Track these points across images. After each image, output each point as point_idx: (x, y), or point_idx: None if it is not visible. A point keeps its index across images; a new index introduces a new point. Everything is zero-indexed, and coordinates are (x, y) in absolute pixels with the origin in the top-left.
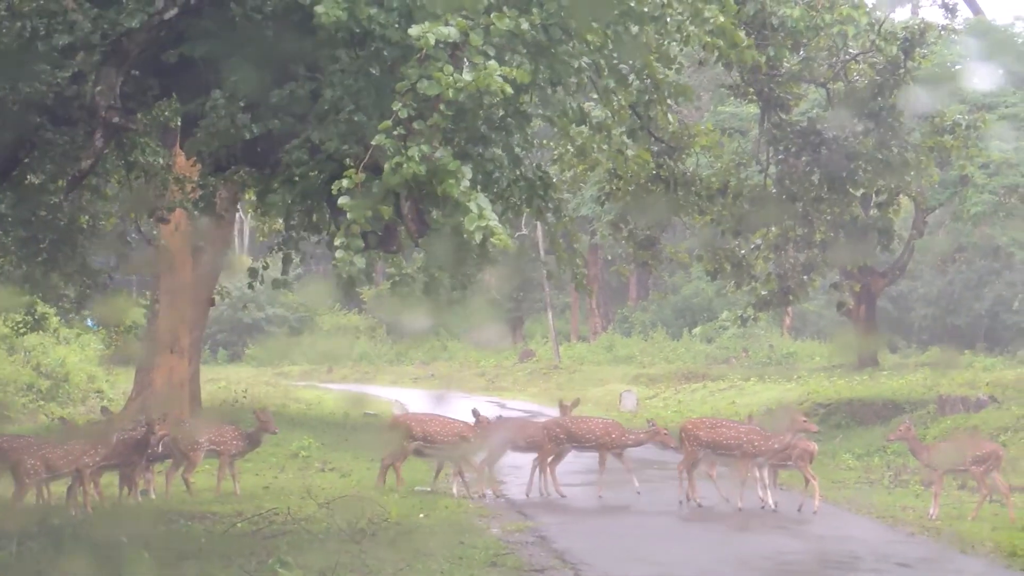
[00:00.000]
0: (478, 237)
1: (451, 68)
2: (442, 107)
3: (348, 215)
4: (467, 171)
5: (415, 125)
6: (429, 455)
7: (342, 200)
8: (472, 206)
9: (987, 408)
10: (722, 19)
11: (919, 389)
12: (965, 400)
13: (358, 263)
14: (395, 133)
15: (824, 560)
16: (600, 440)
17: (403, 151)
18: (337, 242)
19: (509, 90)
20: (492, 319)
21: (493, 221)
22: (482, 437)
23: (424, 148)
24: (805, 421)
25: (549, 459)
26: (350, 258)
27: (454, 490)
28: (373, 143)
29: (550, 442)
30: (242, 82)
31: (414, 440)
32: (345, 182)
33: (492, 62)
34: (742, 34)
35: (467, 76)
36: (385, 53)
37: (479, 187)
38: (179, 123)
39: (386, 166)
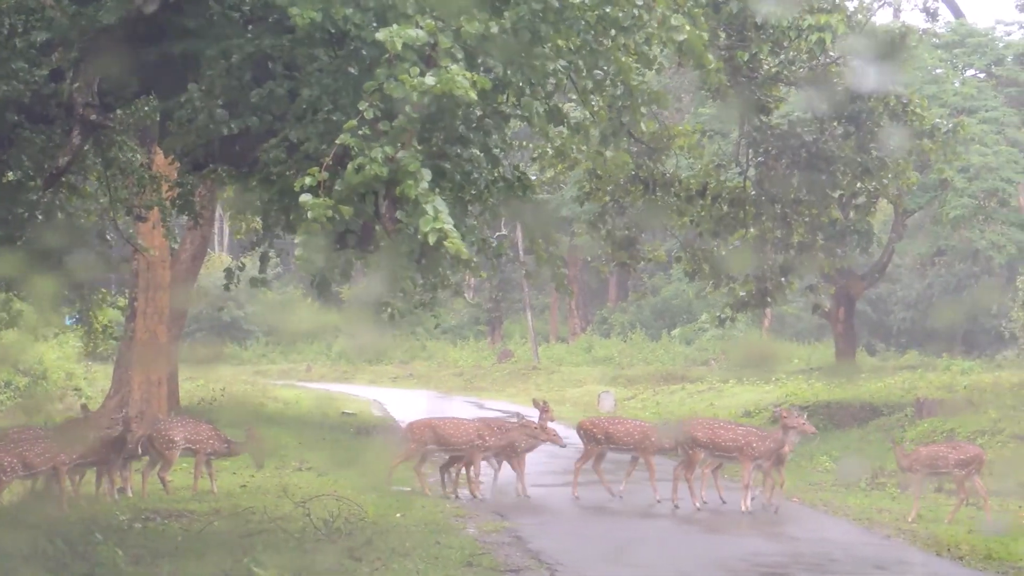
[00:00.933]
0: (432, 239)
1: (417, 71)
2: (408, 109)
3: (309, 214)
4: (426, 173)
5: (380, 126)
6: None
7: (303, 198)
8: (429, 208)
9: (964, 411)
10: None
11: (897, 392)
12: (943, 403)
13: (317, 261)
14: (360, 133)
15: (800, 562)
16: (639, 443)
17: (367, 152)
18: (297, 240)
19: (473, 96)
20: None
21: (448, 224)
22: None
23: (387, 149)
24: (796, 418)
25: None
26: (309, 256)
27: (471, 491)
28: (337, 142)
29: (588, 443)
30: (220, 79)
31: (427, 445)
32: (308, 180)
33: (456, 66)
34: (710, 56)
35: (430, 80)
36: (363, 53)
37: (452, 190)
38: (157, 120)
39: (349, 166)
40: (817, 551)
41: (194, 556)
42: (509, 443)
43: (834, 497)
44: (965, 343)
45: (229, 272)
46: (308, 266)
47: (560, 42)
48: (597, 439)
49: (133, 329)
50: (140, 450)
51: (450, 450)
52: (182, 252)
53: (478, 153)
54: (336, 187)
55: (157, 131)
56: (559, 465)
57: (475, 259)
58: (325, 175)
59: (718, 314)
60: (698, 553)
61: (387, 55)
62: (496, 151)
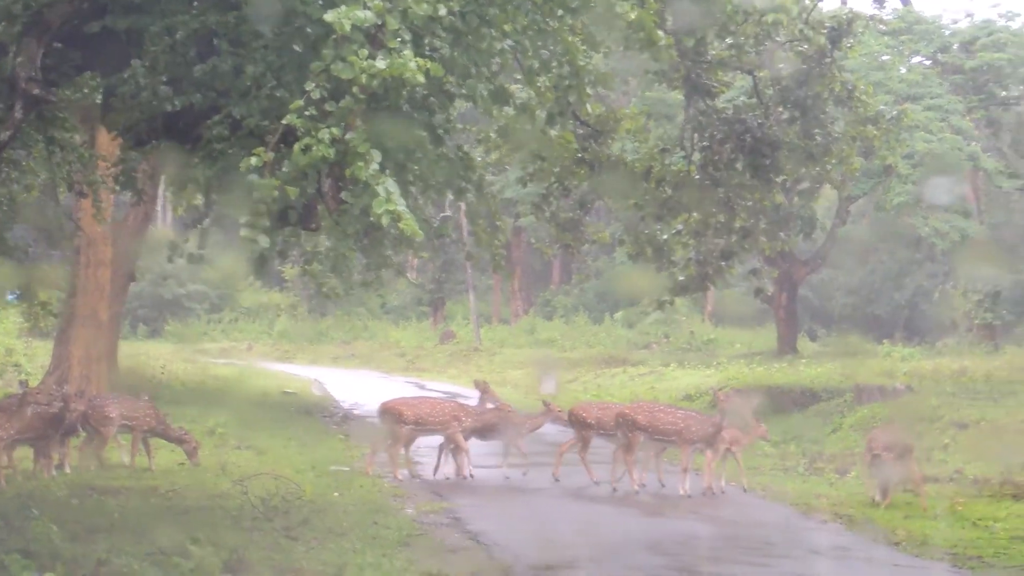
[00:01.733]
0: (385, 221)
1: (366, 52)
2: (355, 90)
3: (255, 193)
4: (376, 154)
5: (327, 107)
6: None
7: (250, 178)
8: (380, 189)
9: (904, 398)
10: (633, 16)
11: (837, 377)
12: (882, 389)
13: (262, 242)
14: (307, 113)
15: (737, 545)
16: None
17: (313, 133)
18: (242, 220)
19: (421, 79)
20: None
21: (401, 206)
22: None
23: (335, 131)
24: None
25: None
26: (254, 236)
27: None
28: (284, 122)
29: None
30: (164, 55)
31: (405, 424)
32: (254, 160)
33: (407, 51)
34: (660, 33)
35: (380, 63)
36: (308, 30)
37: (394, 169)
38: (100, 97)
39: (296, 147)
40: (754, 535)
41: (131, 533)
42: (485, 425)
43: (772, 481)
44: (906, 329)
45: (173, 245)
46: (253, 246)
47: (506, 26)
48: (589, 425)
49: (73, 306)
50: (79, 426)
51: (428, 430)
52: (124, 229)
53: (422, 133)
54: (284, 168)
55: (100, 107)
56: (498, 446)
57: (420, 239)
58: (271, 155)
59: (658, 297)
60: (636, 535)
61: (334, 35)
62: (440, 131)
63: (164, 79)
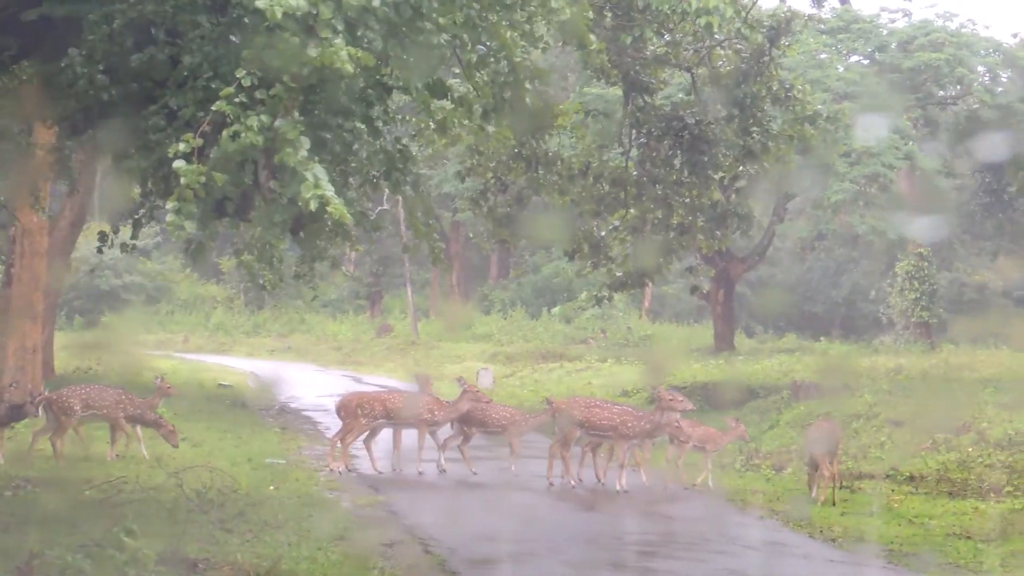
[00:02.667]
0: (314, 206)
1: (297, 41)
2: (286, 78)
3: (182, 180)
4: (305, 141)
5: (257, 94)
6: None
7: (177, 164)
8: (309, 175)
9: (840, 395)
10: (567, 14)
11: (774, 375)
12: (819, 386)
13: (189, 228)
14: (237, 101)
15: (673, 541)
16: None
17: (243, 120)
18: (169, 206)
19: (350, 69)
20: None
21: (329, 191)
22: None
23: (264, 118)
24: (671, 399)
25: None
26: (181, 223)
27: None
28: (214, 108)
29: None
30: (101, 44)
31: (376, 419)
32: (182, 146)
33: (339, 40)
34: (592, 37)
35: (312, 52)
36: (246, 21)
37: (332, 161)
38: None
39: (224, 133)
40: (691, 530)
41: (65, 525)
42: (460, 415)
43: (709, 477)
44: (843, 327)
45: (103, 235)
46: (179, 233)
47: (442, 19)
48: (576, 421)
49: (8, 296)
50: (38, 412)
51: (401, 424)
52: (61, 219)
53: (360, 125)
54: (212, 155)
55: (36, 95)
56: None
57: (354, 231)
58: (200, 141)
59: (596, 293)
60: (572, 530)
61: (267, 23)
62: (378, 123)
63: (101, 68)
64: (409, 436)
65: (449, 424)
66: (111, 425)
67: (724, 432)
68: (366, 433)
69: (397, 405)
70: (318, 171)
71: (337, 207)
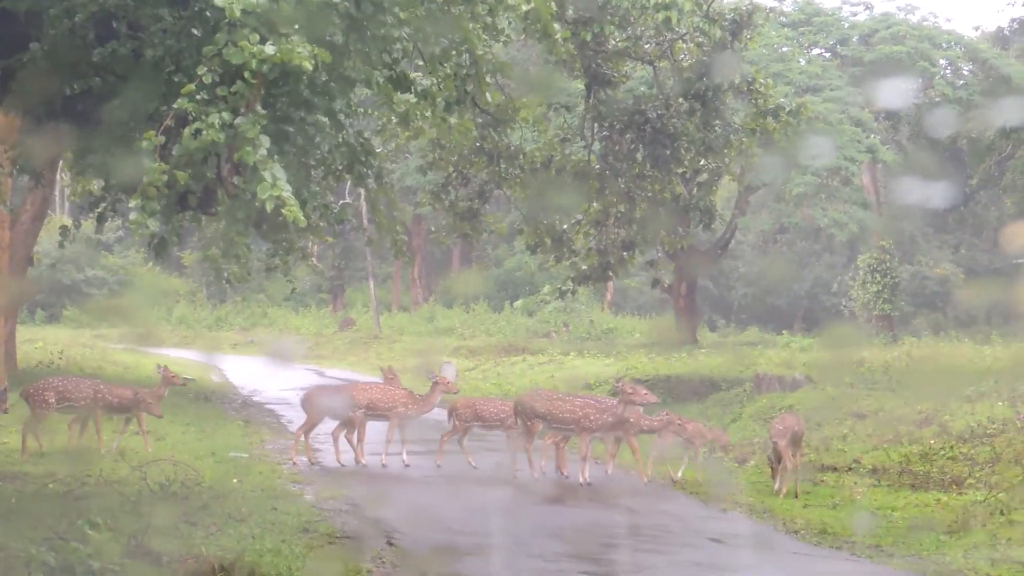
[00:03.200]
0: (270, 206)
1: (257, 38)
2: (247, 75)
3: (144, 177)
4: (265, 140)
5: (219, 91)
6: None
7: (144, 161)
8: (267, 175)
9: (802, 388)
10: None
11: (736, 367)
12: (781, 379)
13: (152, 226)
14: (198, 98)
15: (637, 533)
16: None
17: (204, 117)
18: (132, 204)
19: (309, 66)
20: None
21: (286, 192)
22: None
23: (226, 115)
24: (632, 392)
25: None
26: (144, 220)
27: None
28: (175, 106)
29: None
30: (62, 37)
31: (358, 408)
32: (144, 144)
33: (296, 37)
34: (556, 26)
35: (270, 49)
36: (208, 14)
37: (291, 153)
38: None
39: (185, 131)
40: (654, 523)
41: (28, 518)
42: (429, 408)
43: (672, 470)
44: (805, 320)
45: (64, 229)
46: (141, 230)
47: (402, 14)
48: (539, 414)
49: None
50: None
51: (374, 416)
52: (23, 213)
53: (322, 118)
54: (174, 151)
55: None
56: (397, 434)
57: (320, 224)
58: (162, 139)
59: (559, 287)
60: (535, 523)
61: (227, 19)
62: (340, 116)
63: (63, 62)
64: (374, 429)
65: (455, 420)
66: (85, 418)
67: (709, 429)
68: (336, 425)
69: (372, 398)
70: (276, 171)
71: (292, 209)
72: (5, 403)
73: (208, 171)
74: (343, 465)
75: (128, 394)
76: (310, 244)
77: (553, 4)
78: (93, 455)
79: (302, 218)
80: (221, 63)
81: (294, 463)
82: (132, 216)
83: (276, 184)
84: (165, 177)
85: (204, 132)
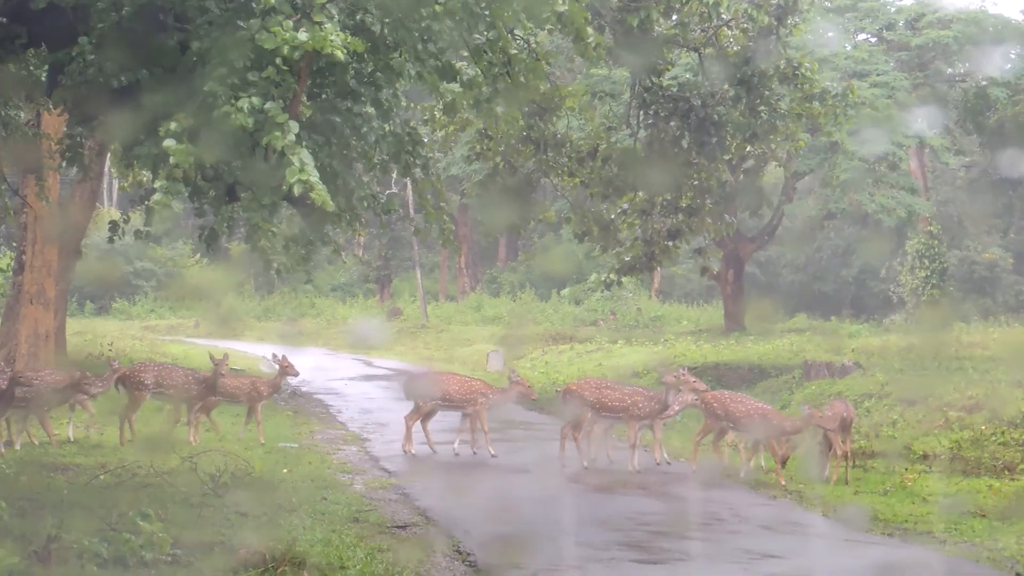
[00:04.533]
0: (298, 190)
1: (290, 24)
2: (278, 61)
3: (171, 159)
4: (294, 125)
5: (249, 76)
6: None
7: (167, 143)
8: (295, 160)
9: (852, 374)
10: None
11: (785, 354)
12: (830, 366)
13: (175, 207)
14: (229, 82)
15: (685, 521)
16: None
17: (233, 101)
18: (156, 184)
19: (341, 56)
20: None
21: (314, 176)
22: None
23: (255, 100)
24: (679, 377)
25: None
26: (168, 201)
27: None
28: (205, 89)
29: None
30: (110, 31)
31: (432, 400)
32: (173, 125)
33: (330, 24)
34: (590, 29)
35: (303, 35)
36: (253, 6)
37: (338, 146)
38: (46, 74)
39: (214, 114)
40: (703, 511)
41: (80, 509)
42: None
43: (721, 457)
44: (853, 306)
45: (113, 224)
46: (165, 211)
47: (437, 7)
48: (588, 402)
49: (20, 283)
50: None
51: (454, 407)
52: (71, 206)
53: (369, 109)
54: (201, 135)
55: (46, 83)
56: (447, 423)
57: (363, 215)
58: (190, 121)
59: (604, 277)
60: (584, 511)
61: (263, 6)
62: (387, 106)
63: (111, 55)
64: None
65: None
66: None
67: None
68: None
69: (451, 388)
70: (304, 155)
71: (320, 193)
72: (110, 382)
73: (240, 156)
74: (414, 454)
75: (245, 384)
76: (356, 235)
77: (587, 14)
78: (172, 445)
79: (330, 203)
80: (254, 48)
81: (405, 451)
82: (155, 197)
83: (304, 168)
84: (191, 159)
85: (232, 116)
